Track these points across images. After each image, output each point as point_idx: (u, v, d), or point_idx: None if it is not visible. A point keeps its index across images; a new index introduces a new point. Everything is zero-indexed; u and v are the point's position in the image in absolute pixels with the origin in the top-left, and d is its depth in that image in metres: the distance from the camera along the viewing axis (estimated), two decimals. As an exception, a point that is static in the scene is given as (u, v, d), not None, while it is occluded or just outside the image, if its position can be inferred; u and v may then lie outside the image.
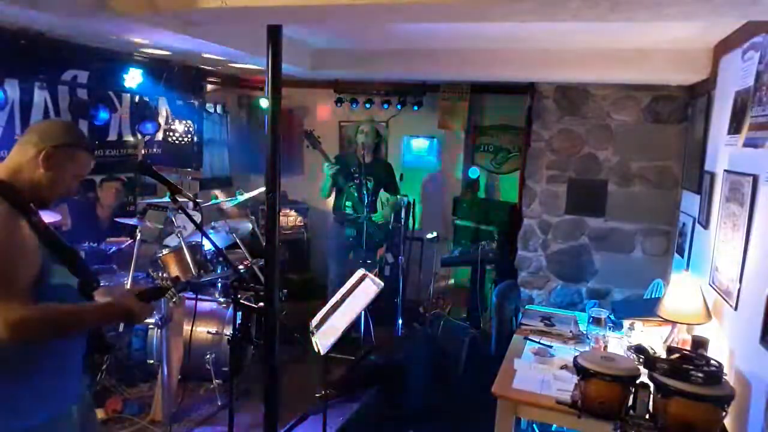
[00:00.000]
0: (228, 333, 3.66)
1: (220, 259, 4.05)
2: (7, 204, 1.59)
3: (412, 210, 5.46)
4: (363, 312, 3.91)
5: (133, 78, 4.58)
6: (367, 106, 5.90)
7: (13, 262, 1.55)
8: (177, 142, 5.42)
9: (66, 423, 1.76)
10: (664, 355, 2.41)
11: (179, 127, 5.41)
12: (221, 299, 3.94)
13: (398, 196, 4.96)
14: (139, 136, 5.00)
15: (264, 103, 5.94)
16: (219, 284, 3.99)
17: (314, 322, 2.81)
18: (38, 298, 1.60)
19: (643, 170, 4.31)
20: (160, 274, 3.72)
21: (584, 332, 3.18)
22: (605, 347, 2.84)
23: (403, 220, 5.30)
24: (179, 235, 3.88)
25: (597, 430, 2.22)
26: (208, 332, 3.76)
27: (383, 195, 4.92)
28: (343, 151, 5.74)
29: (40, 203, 1.74)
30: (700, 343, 2.50)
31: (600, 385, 2.21)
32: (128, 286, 3.56)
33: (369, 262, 4.60)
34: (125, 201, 4.83)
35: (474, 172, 5.81)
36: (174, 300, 2.06)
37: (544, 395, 2.43)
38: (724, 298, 2.60)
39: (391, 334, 4.89)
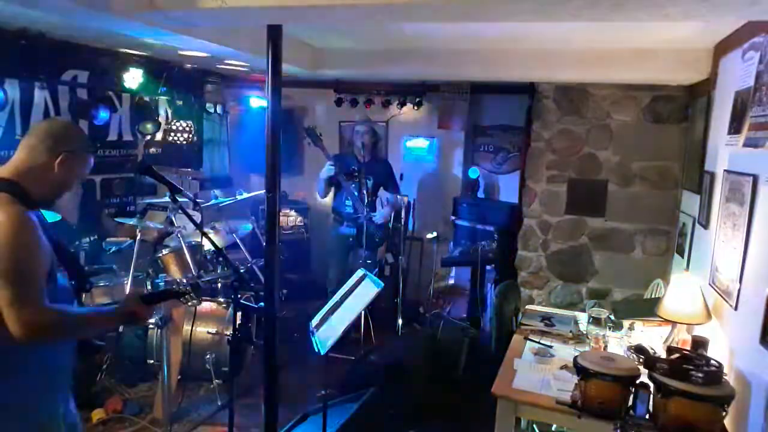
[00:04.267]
0: (228, 333, 3.66)
1: (220, 259, 4.05)
2: (21, 205, 1.61)
3: (411, 210, 5.47)
4: (363, 312, 3.91)
5: (133, 78, 4.58)
6: (367, 106, 5.90)
7: (33, 263, 1.58)
8: (177, 142, 5.42)
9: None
10: (664, 355, 2.41)
11: (179, 127, 5.41)
12: (221, 299, 3.94)
13: (398, 196, 4.96)
14: (139, 136, 5.00)
15: (254, 102, 6.00)
16: (219, 284, 3.99)
17: (314, 322, 2.80)
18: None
19: (643, 170, 4.31)
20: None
21: (584, 332, 3.18)
22: (605, 347, 2.84)
23: (403, 220, 5.30)
24: (179, 235, 3.89)
25: (597, 430, 2.22)
26: (208, 332, 3.76)
27: (383, 194, 4.91)
28: (342, 151, 5.74)
29: (45, 204, 1.77)
30: (700, 343, 2.50)
31: (600, 385, 2.21)
32: (128, 287, 3.57)
33: (369, 262, 4.60)
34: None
35: (474, 172, 5.81)
36: (191, 303, 2.07)
37: (544, 395, 2.43)
38: (724, 298, 2.60)
39: (391, 334, 4.89)
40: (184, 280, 3.62)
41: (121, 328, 3.84)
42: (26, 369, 1.66)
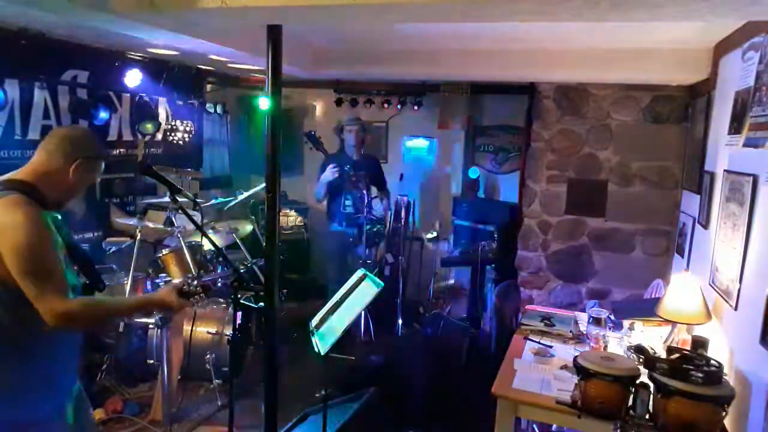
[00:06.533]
0: (228, 333, 3.65)
1: (220, 259, 4.05)
2: (38, 206, 1.71)
3: (412, 210, 5.46)
4: (363, 312, 3.91)
5: (133, 78, 4.58)
6: (367, 106, 5.90)
7: (54, 259, 1.69)
8: (177, 142, 5.42)
9: (59, 421, 1.79)
10: (664, 355, 2.41)
11: (179, 127, 5.41)
12: (221, 299, 3.93)
13: (402, 197, 4.95)
14: (139, 136, 4.99)
15: (263, 103, 5.98)
16: (219, 284, 3.99)
17: (314, 322, 2.80)
18: None
19: (643, 170, 4.31)
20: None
21: (584, 332, 3.18)
22: (605, 347, 2.84)
23: (403, 220, 5.30)
24: (179, 235, 3.89)
25: (597, 430, 2.22)
26: (208, 332, 3.76)
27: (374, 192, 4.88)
28: (336, 152, 5.60)
29: (57, 206, 1.86)
30: (700, 343, 2.50)
31: (600, 385, 2.21)
32: (128, 287, 3.56)
33: (369, 262, 4.59)
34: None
35: (474, 172, 5.82)
36: (198, 304, 2.18)
37: (544, 395, 2.43)
38: (724, 298, 2.60)
39: (391, 334, 4.89)
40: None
41: (121, 328, 3.84)
42: (42, 352, 1.74)
